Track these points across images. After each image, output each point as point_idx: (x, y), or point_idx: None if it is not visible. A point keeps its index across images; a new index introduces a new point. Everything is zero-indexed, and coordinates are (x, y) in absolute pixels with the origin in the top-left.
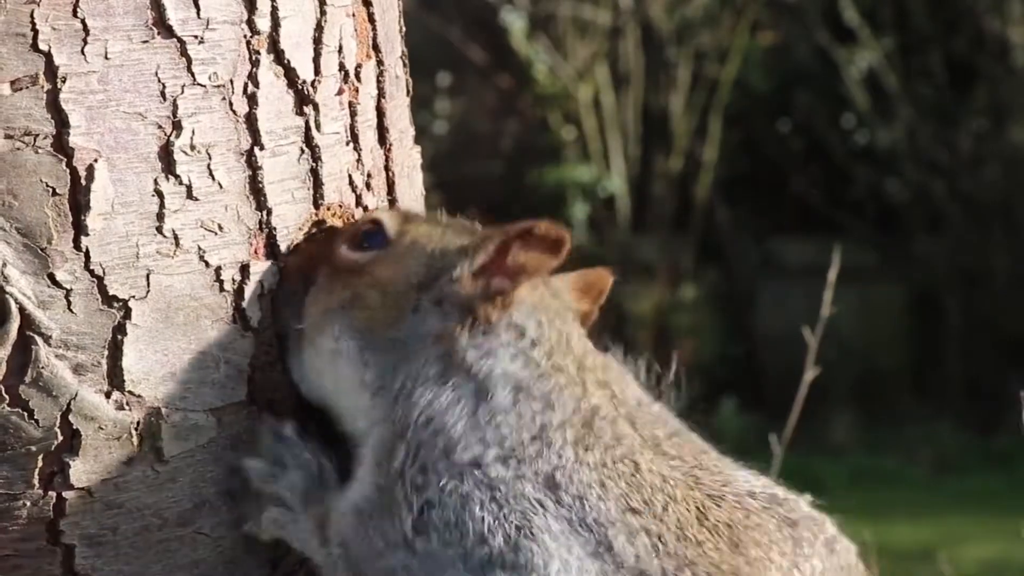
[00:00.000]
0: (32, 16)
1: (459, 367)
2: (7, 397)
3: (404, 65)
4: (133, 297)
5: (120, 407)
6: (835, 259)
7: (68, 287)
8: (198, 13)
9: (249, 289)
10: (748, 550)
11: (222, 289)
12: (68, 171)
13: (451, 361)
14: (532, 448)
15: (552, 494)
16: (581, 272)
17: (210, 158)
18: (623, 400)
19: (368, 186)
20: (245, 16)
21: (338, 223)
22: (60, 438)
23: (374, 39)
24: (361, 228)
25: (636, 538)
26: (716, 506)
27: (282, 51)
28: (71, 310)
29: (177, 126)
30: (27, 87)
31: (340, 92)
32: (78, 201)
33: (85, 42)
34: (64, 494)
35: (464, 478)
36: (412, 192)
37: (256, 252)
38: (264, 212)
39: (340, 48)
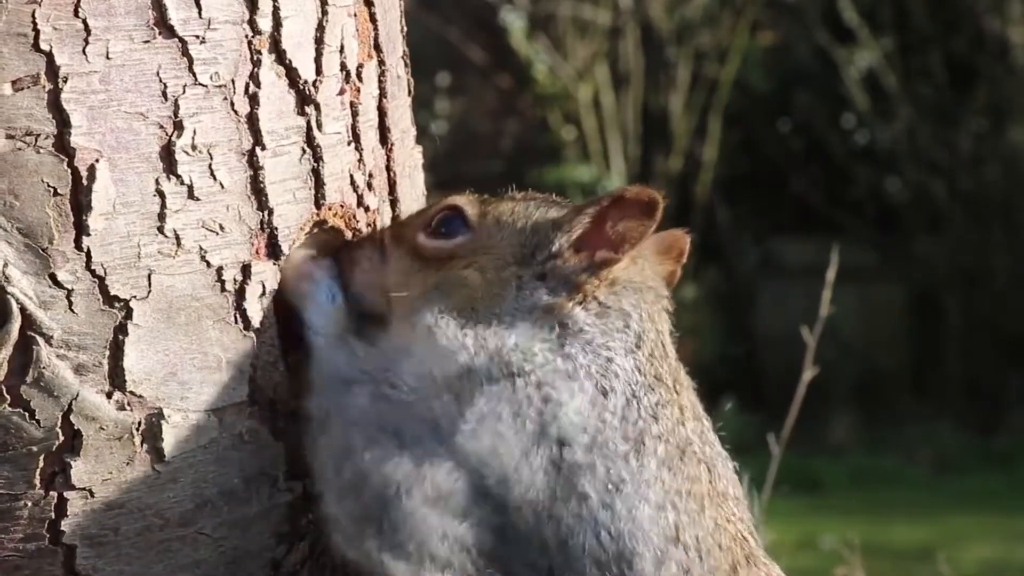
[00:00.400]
0: (33, 16)
1: (578, 337)
2: (8, 397)
3: (405, 65)
4: (134, 297)
5: (121, 407)
6: (834, 259)
7: (69, 287)
8: (200, 13)
9: (250, 289)
10: None
11: (223, 289)
12: (69, 171)
13: (569, 331)
14: (623, 448)
15: (608, 497)
16: (659, 236)
17: (211, 158)
18: (709, 441)
19: (370, 186)
20: (247, 16)
21: (339, 223)
22: (61, 438)
23: (376, 39)
24: (436, 215)
25: (662, 567)
26: (748, 568)
27: (284, 51)
28: (72, 310)
29: (179, 126)
30: (28, 87)
31: (342, 92)
32: (79, 201)
33: (87, 42)
34: (65, 494)
35: (542, 442)
36: (414, 192)
37: (257, 252)
38: (265, 212)
39: (342, 48)
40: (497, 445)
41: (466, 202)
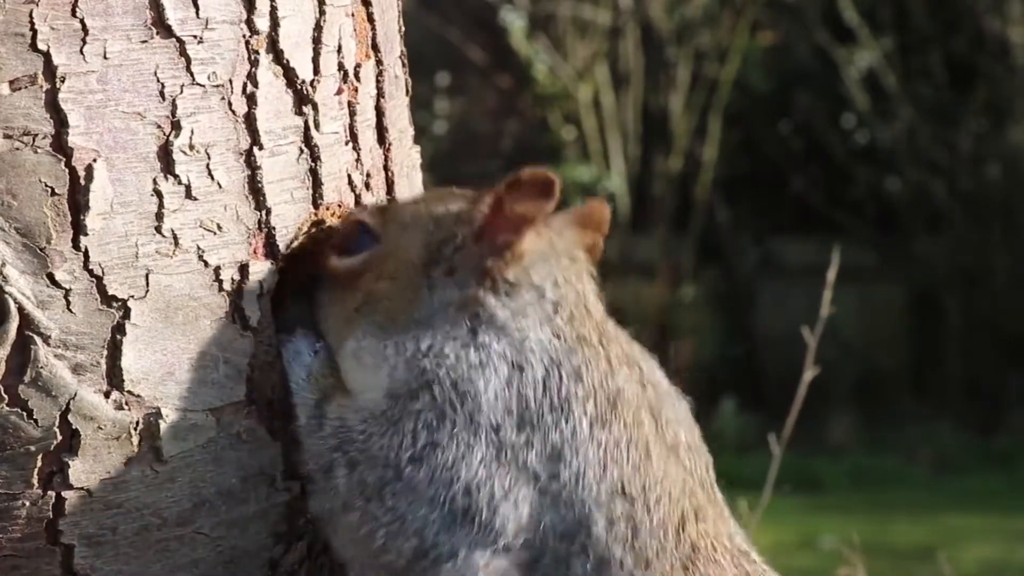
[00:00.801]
0: (31, 16)
1: (491, 324)
2: (6, 397)
3: (403, 65)
4: (132, 297)
5: (119, 407)
6: (835, 259)
7: (67, 287)
8: (197, 13)
9: (248, 289)
10: None
11: (221, 289)
12: (67, 171)
13: (480, 320)
14: (550, 417)
15: (553, 467)
16: (576, 208)
17: (209, 158)
18: (651, 383)
19: (367, 186)
20: (244, 16)
21: (337, 223)
22: (59, 438)
23: (373, 39)
24: (344, 234)
25: (615, 526)
26: (696, 524)
27: (281, 51)
28: (70, 310)
29: (176, 126)
30: (26, 87)
31: (339, 92)
32: (77, 201)
33: (84, 42)
34: (63, 494)
35: (478, 434)
36: (412, 192)
37: (255, 252)
38: (263, 212)
39: (339, 48)
40: (445, 461)
41: (368, 214)
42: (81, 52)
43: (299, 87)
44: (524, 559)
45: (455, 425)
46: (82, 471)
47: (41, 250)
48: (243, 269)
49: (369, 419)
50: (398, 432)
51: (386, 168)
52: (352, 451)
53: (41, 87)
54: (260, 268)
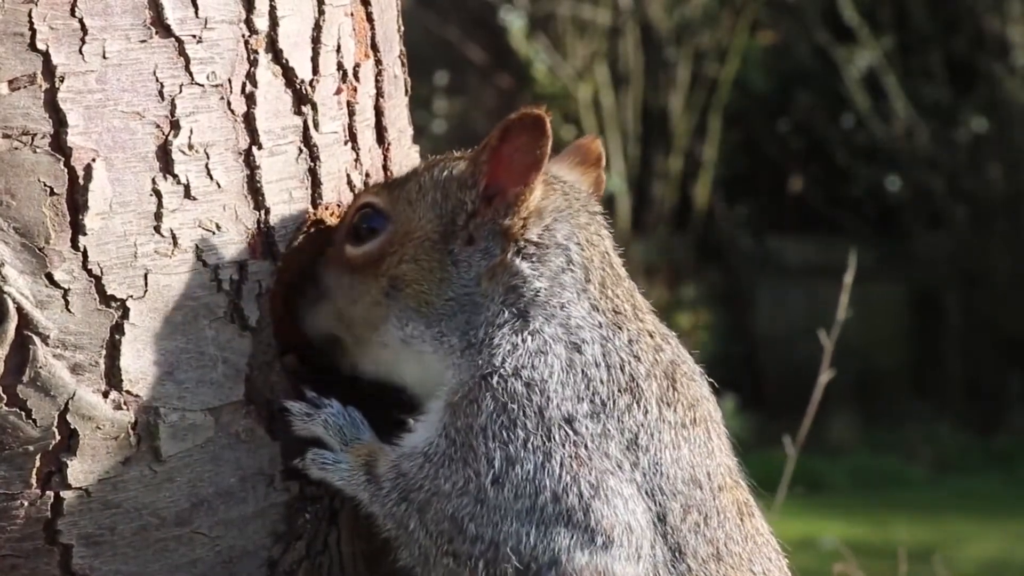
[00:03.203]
0: (30, 15)
1: (536, 303)
2: (5, 397)
3: (402, 64)
4: (131, 297)
5: (118, 407)
6: (852, 261)
7: (66, 287)
8: (196, 12)
9: (247, 288)
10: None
11: (220, 288)
12: (66, 170)
13: (522, 296)
14: (623, 401)
15: (632, 455)
16: (569, 150)
17: (208, 157)
18: (686, 359)
19: (366, 185)
20: (243, 15)
21: (336, 223)
22: (58, 438)
23: (372, 38)
24: (354, 219)
25: (688, 515)
26: (751, 517)
27: (280, 50)
28: (69, 310)
29: (175, 125)
30: (25, 86)
31: (338, 91)
32: (76, 200)
33: (83, 41)
34: (62, 494)
35: (552, 435)
36: None
37: (254, 251)
38: (262, 211)
39: (338, 47)
40: (525, 474)
41: (374, 194)
42: (80, 52)
43: (298, 87)
44: (626, 554)
45: (527, 429)
46: (80, 471)
47: (40, 250)
48: (242, 269)
49: (426, 460)
50: (469, 460)
51: (385, 168)
52: (419, 496)
53: (40, 87)
54: (259, 268)
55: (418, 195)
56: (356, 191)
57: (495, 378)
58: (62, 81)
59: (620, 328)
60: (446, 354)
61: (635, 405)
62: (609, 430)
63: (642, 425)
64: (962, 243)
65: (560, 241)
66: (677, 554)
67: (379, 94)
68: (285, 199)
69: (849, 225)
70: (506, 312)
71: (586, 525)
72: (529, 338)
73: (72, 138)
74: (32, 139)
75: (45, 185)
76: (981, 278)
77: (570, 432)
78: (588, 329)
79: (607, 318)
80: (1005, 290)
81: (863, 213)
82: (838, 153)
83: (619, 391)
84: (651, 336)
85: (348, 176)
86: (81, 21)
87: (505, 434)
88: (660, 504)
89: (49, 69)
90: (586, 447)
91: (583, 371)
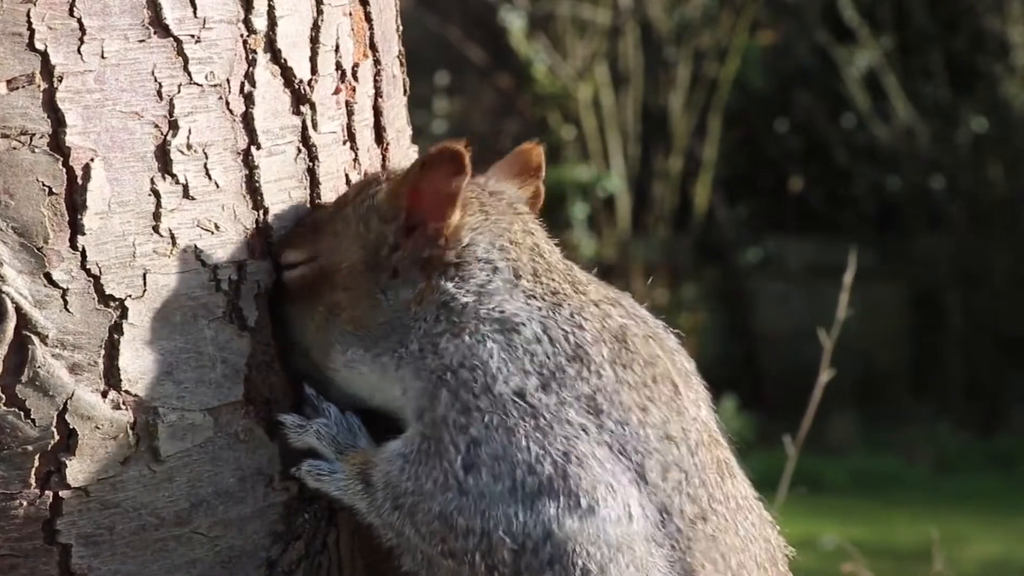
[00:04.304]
0: (28, 15)
1: (466, 312)
2: (4, 396)
3: (401, 64)
4: (130, 296)
5: (116, 407)
6: (851, 261)
7: (64, 286)
8: (195, 12)
9: (246, 288)
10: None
11: (219, 288)
12: (64, 170)
13: (452, 310)
14: (572, 369)
15: (595, 419)
16: (510, 157)
17: (207, 157)
18: (641, 317)
19: None
20: (242, 15)
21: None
22: (56, 437)
23: (371, 38)
24: (275, 251)
25: (668, 473)
26: (732, 478)
27: (279, 50)
28: (67, 309)
29: (173, 125)
30: (23, 86)
31: (337, 91)
32: (74, 200)
33: (81, 41)
34: (60, 493)
35: (508, 410)
36: None
37: (253, 252)
38: (261, 211)
39: (337, 47)
40: (494, 452)
41: (297, 234)
42: (79, 51)
43: (297, 86)
44: (615, 514)
45: (481, 410)
46: (79, 471)
47: (38, 249)
48: (241, 269)
49: (405, 462)
50: (441, 452)
51: (384, 168)
52: (408, 501)
53: (39, 86)
54: (258, 268)
55: (343, 227)
56: None
57: (447, 374)
58: (60, 81)
59: (560, 305)
60: (385, 373)
61: (585, 370)
62: (564, 398)
63: (597, 388)
64: (962, 243)
65: (480, 255)
66: (664, 514)
67: (378, 94)
68: (284, 199)
69: (849, 225)
70: (441, 324)
71: (567, 490)
72: (467, 336)
73: (71, 138)
74: (30, 139)
75: (44, 185)
76: (981, 278)
77: (525, 405)
78: (525, 314)
79: (545, 301)
80: (1005, 290)
81: (863, 213)
82: (838, 153)
83: (567, 360)
84: (596, 305)
85: (347, 176)
86: (80, 21)
87: (464, 419)
88: (638, 464)
89: (47, 69)
90: (544, 417)
91: (524, 347)
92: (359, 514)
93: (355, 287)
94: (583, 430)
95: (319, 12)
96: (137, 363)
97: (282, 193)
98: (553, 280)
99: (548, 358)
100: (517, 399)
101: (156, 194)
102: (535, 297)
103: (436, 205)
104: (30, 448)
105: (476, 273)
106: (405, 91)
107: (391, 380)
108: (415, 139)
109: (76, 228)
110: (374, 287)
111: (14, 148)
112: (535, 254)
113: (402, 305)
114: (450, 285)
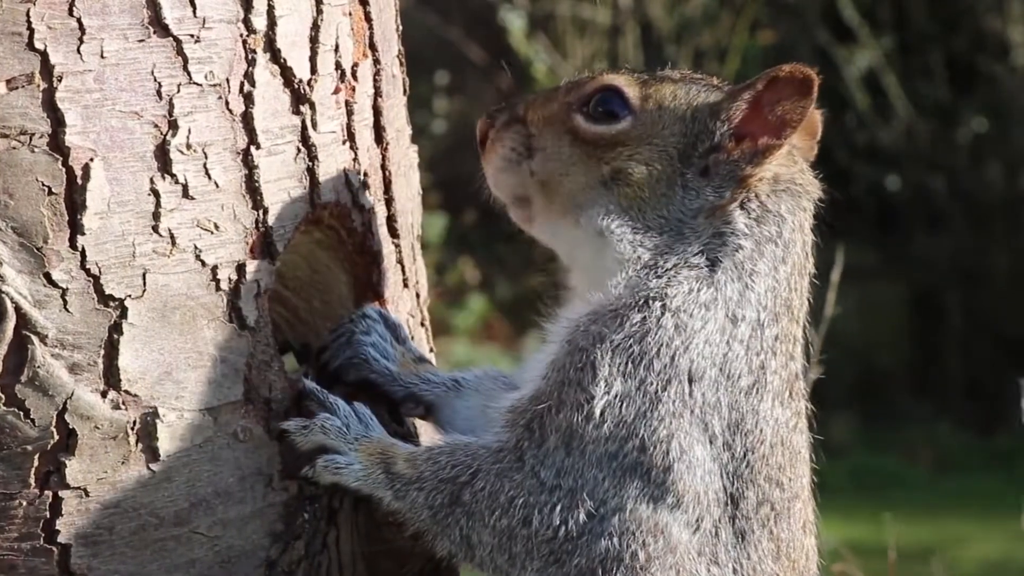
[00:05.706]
0: (28, 15)
1: (731, 256)
2: (3, 396)
3: (401, 64)
4: (129, 296)
5: (116, 406)
6: (839, 259)
7: (64, 286)
8: (194, 12)
9: (245, 288)
10: None
11: (218, 288)
12: (64, 170)
13: (724, 245)
14: (745, 382)
15: (730, 436)
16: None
17: (206, 157)
18: (801, 379)
19: (365, 185)
20: (241, 15)
21: (335, 222)
22: (56, 437)
23: (371, 38)
24: (593, 95)
25: (762, 507)
26: (809, 536)
27: (278, 50)
28: (67, 309)
29: (173, 125)
30: (23, 86)
31: (336, 91)
32: (74, 200)
33: (81, 41)
34: (60, 493)
35: (670, 387)
36: (409, 191)
37: (252, 251)
38: (260, 211)
39: (337, 47)
40: (627, 415)
41: (625, 82)
42: (78, 51)
43: (296, 86)
44: (687, 520)
45: (651, 369)
46: (79, 471)
47: (38, 249)
48: (240, 268)
49: (540, 411)
50: (587, 380)
51: (383, 167)
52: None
53: (38, 86)
54: (257, 267)
55: (671, 103)
56: (354, 190)
57: (657, 304)
58: (60, 80)
59: (776, 321)
60: (629, 262)
61: (754, 391)
62: (720, 404)
63: (752, 411)
64: (962, 243)
65: (782, 213)
66: (740, 539)
67: (377, 93)
68: (283, 199)
69: (849, 225)
70: (703, 257)
71: (661, 482)
72: (705, 288)
73: (70, 138)
74: (30, 139)
75: (43, 185)
76: (981, 278)
77: (686, 391)
78: (753, 307)
79: (773, 304)
80: (1005, 290)
81: (863, 213)
82: (838, 153)
83: (748, 372)
84: (794, 343)
85: (346, 175)
86: (79, 21)
87: (629, 365)
88: (738, 489)
89: (47, 68)
90: (692, 412)
91: (727, 341)
92: (381, 502)
93: (656, 168)
94: (711, 440)
95: (319, 12)
96: (136, 363)
97: (282, 193)
98: (794, 290)
99: (736, 361)
100: (686, 382)
101: (156, 194)
102: (773, 292)
103: (775, 123)
104: (30, 448)
105: (768, 225)
106: (405, 91)
107: (610, 267)
108: (416, 139)
109: (76, 228)
110: (676, 178)
111: (14, 148)
112: (804, 249)
113: (693, 209)
114: (743, 220)
